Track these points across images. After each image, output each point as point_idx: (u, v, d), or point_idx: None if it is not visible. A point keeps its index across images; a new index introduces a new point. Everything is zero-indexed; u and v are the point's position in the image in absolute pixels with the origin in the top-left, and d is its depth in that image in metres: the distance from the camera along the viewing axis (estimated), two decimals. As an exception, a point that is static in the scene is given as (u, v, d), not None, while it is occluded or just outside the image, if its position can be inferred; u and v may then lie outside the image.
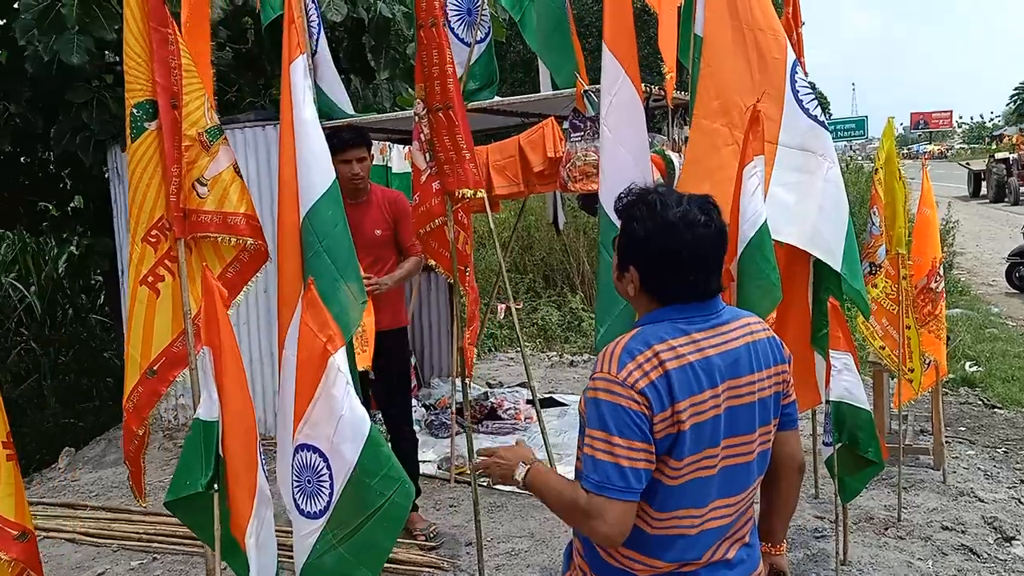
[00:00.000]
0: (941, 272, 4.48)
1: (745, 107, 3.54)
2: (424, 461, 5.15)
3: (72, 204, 7.32)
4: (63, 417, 7.17)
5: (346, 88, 7.70)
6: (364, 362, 3.77)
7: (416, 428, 5.91)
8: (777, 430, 1.87)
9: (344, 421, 2.25)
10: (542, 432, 4.71)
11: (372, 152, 3.98)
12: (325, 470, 2.24)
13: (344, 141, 3.79)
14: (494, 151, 4.95)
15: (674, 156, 4.78)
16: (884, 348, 4.22)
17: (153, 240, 2.78)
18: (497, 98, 4.84)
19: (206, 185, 2.79)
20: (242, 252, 2.92)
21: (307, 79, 2.80)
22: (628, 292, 1.81)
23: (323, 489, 2.25)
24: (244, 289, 2.95)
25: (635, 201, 1.77)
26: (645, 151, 3.16)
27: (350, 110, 5.20)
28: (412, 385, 6.87)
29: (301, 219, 2.77)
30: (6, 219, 7.13)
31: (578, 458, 1.75)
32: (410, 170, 3.96)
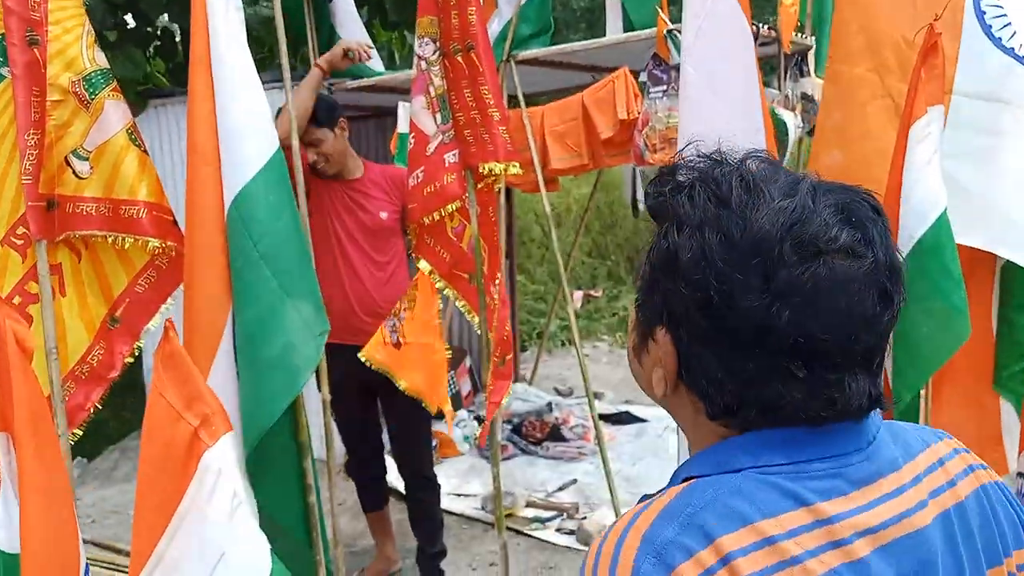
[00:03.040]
0: None
1: (905, 42, 2.46)
2: (465, 496, 4.23)
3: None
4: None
5: (400, 47, 6.85)
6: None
7: (465, 447, 5.03)
8: None
9: (226, 566, 1.32)
10: (604, 463, 3.68)
11: (343, 123, 3.01)
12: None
13: None
14: (552, 113, 3.92)
15: (788, 117, 3.64)
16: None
17: (19, 242, 1.91)
18: (554, 47, 3.81)
19: (87, 160, 1.89)
20: (159, 256, 2.03)
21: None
22: (652, 384, 0.79)
23: None
24: (161, 310, 2.06)
25: (691, 177, 0.75)
26: (754, 101, 2.08)
27: (379, 67, 4.27)
28: (467, 392, 5.96)
29: (226, 209, 1.87)
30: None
31: None
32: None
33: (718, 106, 2.06)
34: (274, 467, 2.05)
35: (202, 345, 1.84)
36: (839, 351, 0.69)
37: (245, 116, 1.84)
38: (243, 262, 1.83)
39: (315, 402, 2.66)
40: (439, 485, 3.28)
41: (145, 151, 1.94)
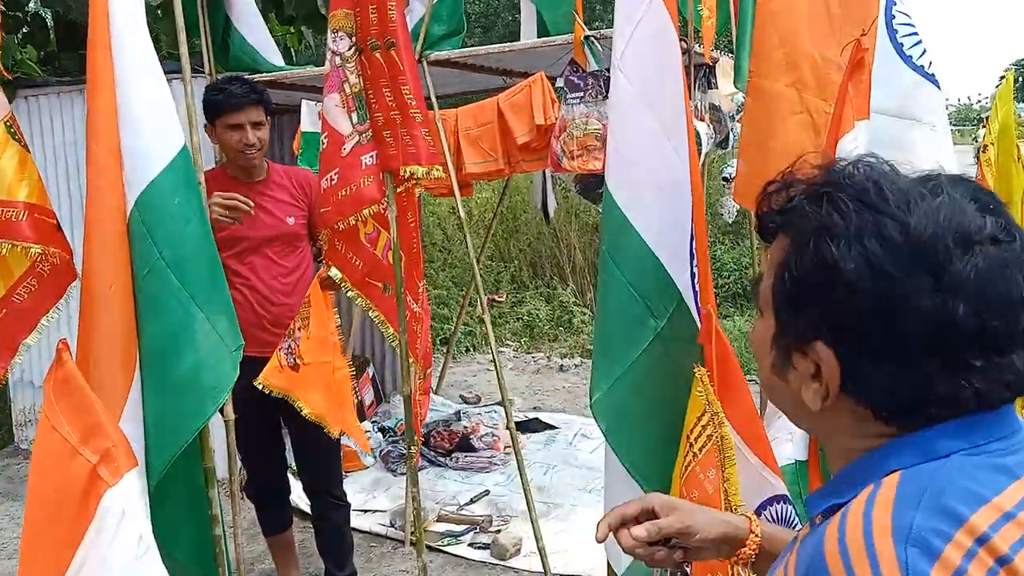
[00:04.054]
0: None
1: (821, 58, 2.53)
2: (372, 511, 4.06)
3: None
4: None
5: (297, 42, 6.58)
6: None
7: (369, 460, 4.85)
8: None
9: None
10: (520, 474, 3.60)
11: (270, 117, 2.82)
12: None
13: (233, 98, 2.62)
14: (466, 116, 3.83)
15: (701, 127, 3.67)
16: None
17: None
18: (467, 49, 3.71)
19: (-45, 156, 1.66)
20: (40, 263, 1.80)
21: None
22: (800, 400, 0.79)
23: None
24: (42, 322, 1.84)
25: (817, 188, 0.77)
26: (680, 114, 2.05)
27: (279, 61, 4.06)
28: (369, 402, 5.76)
29: (128, 212, 1.68)
30: None
31: None
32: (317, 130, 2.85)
33: (648, 114, 2.01)
34: (175, 497, 1.86)
35: (115, 365, 1.64)
36: (1007, 333, 0.72)
37: (147, 108, 1.66)
38: (147, 270, 1.64)
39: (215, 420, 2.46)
40: (349, 504, 3.11)
41: (26, 147, 1.72)
